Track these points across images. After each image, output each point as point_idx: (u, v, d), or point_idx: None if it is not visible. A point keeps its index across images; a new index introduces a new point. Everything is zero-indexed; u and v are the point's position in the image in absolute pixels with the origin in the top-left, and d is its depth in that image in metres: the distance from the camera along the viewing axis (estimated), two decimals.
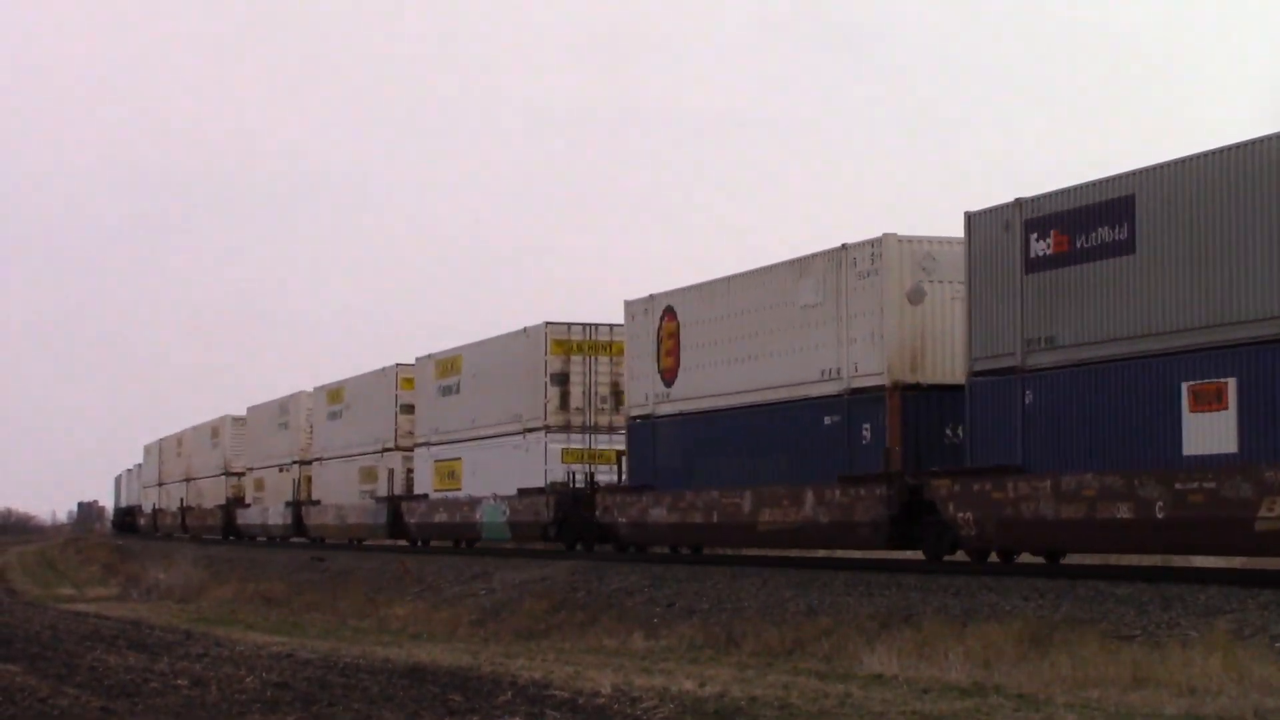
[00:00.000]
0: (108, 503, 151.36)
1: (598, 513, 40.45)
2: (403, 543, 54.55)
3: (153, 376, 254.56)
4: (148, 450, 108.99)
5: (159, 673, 22.01)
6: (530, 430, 44.56)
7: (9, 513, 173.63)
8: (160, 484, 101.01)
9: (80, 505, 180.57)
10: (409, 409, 54.69)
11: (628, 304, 40.35)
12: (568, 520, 42.28)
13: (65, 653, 25.75)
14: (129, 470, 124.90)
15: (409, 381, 54.89)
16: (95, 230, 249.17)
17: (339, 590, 42.48)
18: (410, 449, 54.10)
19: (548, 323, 44.19)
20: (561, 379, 44.09)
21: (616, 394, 43.53)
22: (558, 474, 43.32)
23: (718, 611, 28.75)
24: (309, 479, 66.35)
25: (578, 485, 42.79)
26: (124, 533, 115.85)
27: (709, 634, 26.79)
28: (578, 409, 44.03)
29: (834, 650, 23.53)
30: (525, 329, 45.12)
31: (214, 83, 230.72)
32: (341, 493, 60.82)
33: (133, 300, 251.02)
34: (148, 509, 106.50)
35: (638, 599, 31.71)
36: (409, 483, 53.98)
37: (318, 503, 64.05)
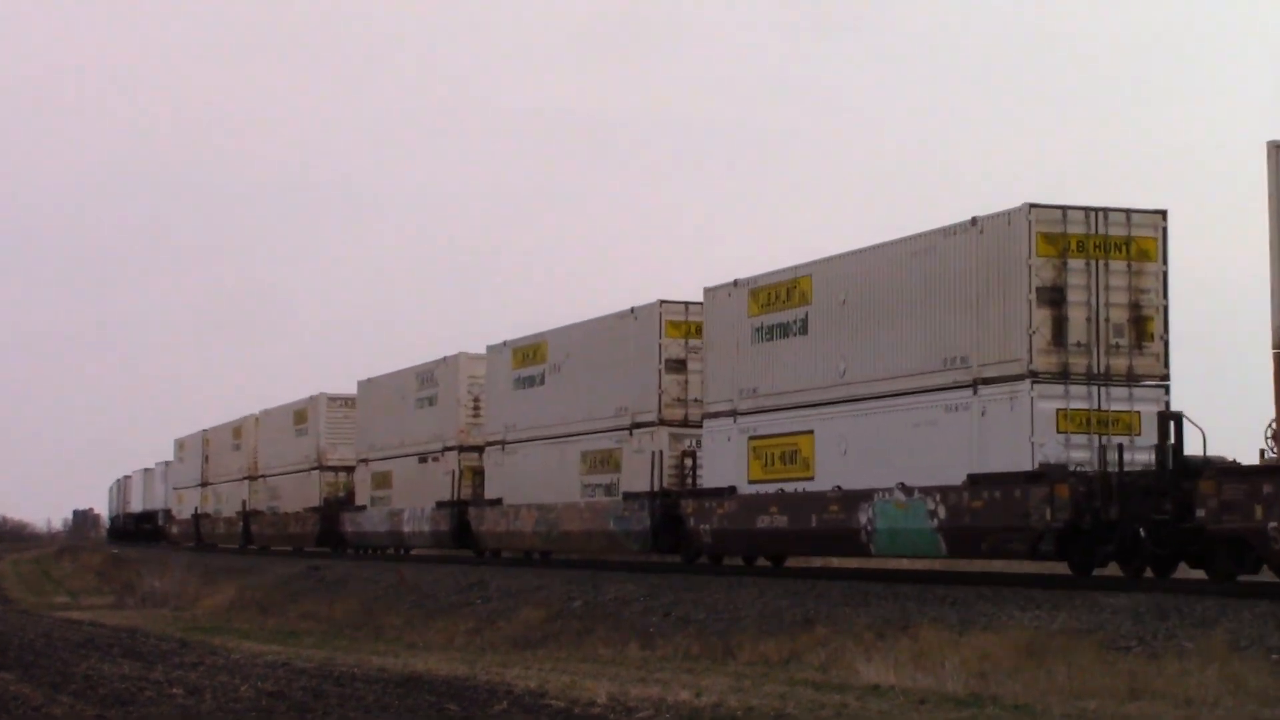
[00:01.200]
0: (103, 510, 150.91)
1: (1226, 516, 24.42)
2: (674, 559, 39.10)
3: (147, 384, 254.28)
4: (181, 445, 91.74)
5: (154, 681, 21.96)
6: (991, 380, 28.61)
7: (3, 520, 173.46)
8: (205, 484, 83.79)
9: (75, 513, 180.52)
10: (678, 366, 38.79)
11: None
12: (1097, 526, 26.88)
13: (60, 661, 25.69)
14: (146, 470, 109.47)
15: (680, 326, 38.96)
16: (91, 237, 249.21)
17: (335, 599, 42.41)
18: (683, 423, 38.60)
19: (1031, 205, 28.35)
20: (1054, 296, 28.27)
21: (1138, 321, 28.42)
22: (1054, 451, 27.80)
23: (714, 621, 28.71)
24: (473, 470, 49.46)
25: (1127, 468, 27.00)
26: (142, 543, 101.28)
27: (705, 644, 26.76)
28: (1079, 345, 28.23)
29: (830, 660, 23.51)
30: (975, 220, 29.35)
31: (219, 81, 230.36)
32: (547, 488, 43.87)
33: (127, 308, 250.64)
34: (184, 514, 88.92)
35: (634, 608, 31.67)
36: (684, 471, 38.47)
37: (497, 503, 46.79)
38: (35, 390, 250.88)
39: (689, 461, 38.29)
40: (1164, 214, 29.14)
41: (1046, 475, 27.28)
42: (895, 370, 30.94)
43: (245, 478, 74.86)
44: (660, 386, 38.80)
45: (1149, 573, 27.30)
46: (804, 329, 33.52)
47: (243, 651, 27.66)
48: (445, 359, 52.51)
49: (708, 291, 37.42)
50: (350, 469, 61.75)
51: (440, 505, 50.86)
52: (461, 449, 50.28)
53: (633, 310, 40.41)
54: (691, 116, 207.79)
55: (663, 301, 39.22)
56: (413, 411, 54.49)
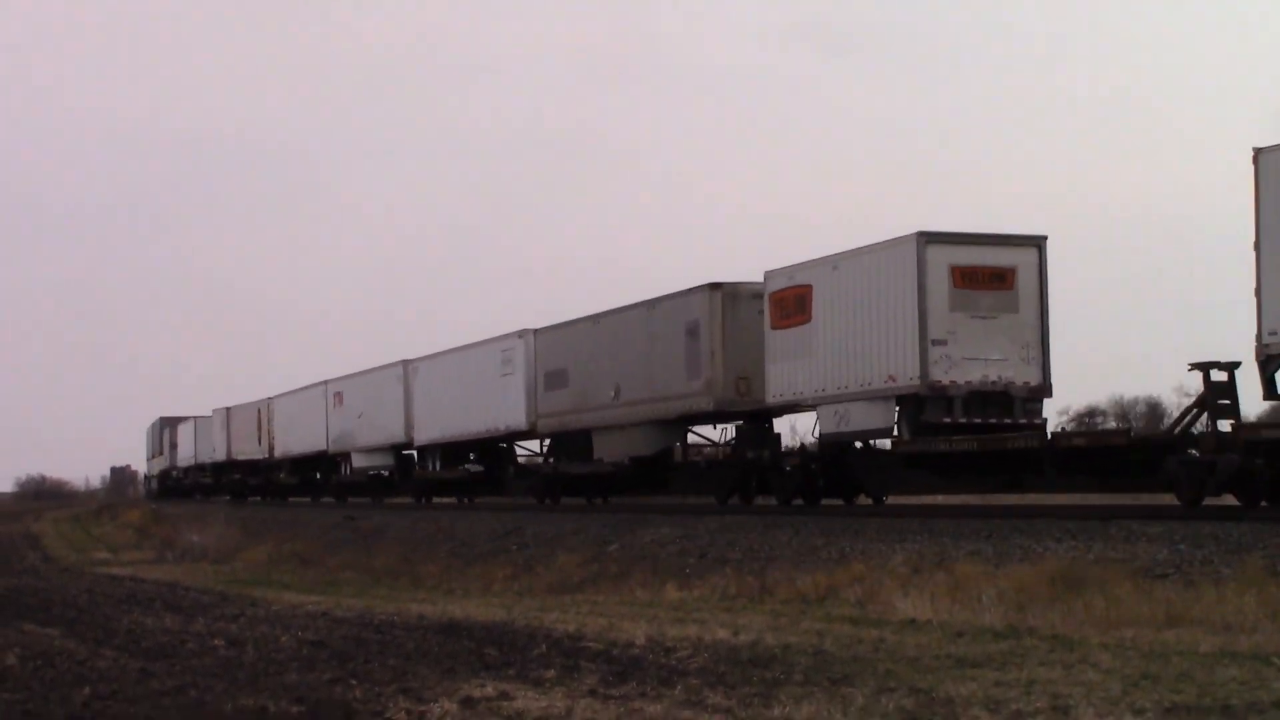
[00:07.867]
0: (140, 467, 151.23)
1: None
2: None
3: (185, 345, 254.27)
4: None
5: (196, 634, 22.14)
6: None
7: (42, 479, 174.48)
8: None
9: (113, 470, 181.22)
10: None
11: None
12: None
13: (102, 616, 25.91)
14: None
15: None
16: (125, 201, 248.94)
17: (373, 549, 42.65)
18: None
19: None
20: None
21: None
22: None
23: (750, 560, 28.79)
24: None
25: None
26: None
27: (742, 583, 26.84)
28: None
29: (867, 596, 23.57)
30: None
31: (226, 74, 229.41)
32: None
33: (156, 275, 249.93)
34: None
35: (670, 550, 31.77)
36: None
37: None
38: (72, 350, 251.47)
39: None
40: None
41: None
42: None
43: None
44: None
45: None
46: None
47: (283, 603, 27.84)
48: None
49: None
50: None
51: None
52: None
53: None
54: None
55: None
56: None
